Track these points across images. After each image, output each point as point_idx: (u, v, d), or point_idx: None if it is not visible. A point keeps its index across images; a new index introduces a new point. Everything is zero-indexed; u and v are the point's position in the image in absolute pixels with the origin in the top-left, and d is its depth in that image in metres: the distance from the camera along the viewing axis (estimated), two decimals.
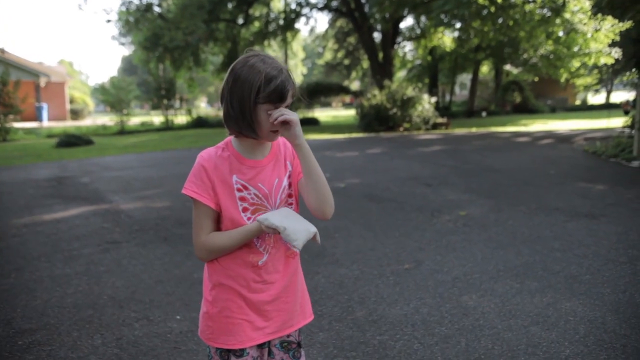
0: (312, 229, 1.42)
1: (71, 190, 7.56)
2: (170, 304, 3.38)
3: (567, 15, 16.61)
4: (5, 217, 5.94)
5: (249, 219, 1.48)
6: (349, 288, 3.56)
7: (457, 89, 41.70)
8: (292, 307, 1.62)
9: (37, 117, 26.43)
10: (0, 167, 10.90)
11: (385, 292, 3.45)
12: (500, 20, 17.60)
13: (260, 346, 1.57)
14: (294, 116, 1.40)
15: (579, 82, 34.46)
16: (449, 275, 3.72)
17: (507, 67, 32.19)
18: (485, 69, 34.42)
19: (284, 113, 1.39)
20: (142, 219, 5.67)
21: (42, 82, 28.57)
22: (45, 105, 27.71)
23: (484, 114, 28.80)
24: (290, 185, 1.58)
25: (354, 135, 17.18)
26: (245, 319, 1.52)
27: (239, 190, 1.48)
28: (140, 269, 4.06)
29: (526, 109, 30.77)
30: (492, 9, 16.36)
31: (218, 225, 1.51)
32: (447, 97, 34.45)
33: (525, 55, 24.36)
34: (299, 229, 1.39)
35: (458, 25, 19.69)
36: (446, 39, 24.74)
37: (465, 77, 39.95)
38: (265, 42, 26.37)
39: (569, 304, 3.16)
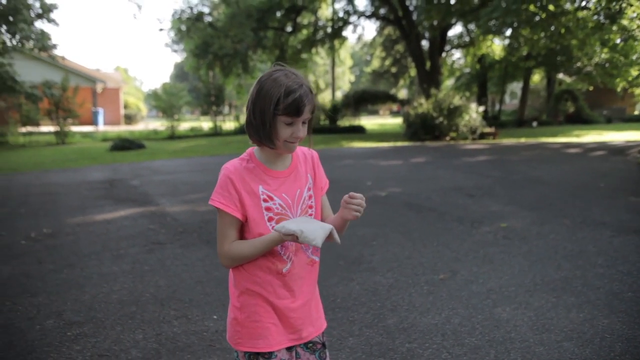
0: (327, 227, 1.47)
1: (122, 193, 7.91)
2: (209, 303, 3.51)
3: (624, 22, 16.02)
4: (61, 217, 6.28)
5: (273, 228, 1.54)
6: (382, 295, 3.59)
7: (507, 98, 40.83)
8: (315, 313, 1.70)
9: (94, 122, 27.64)
10: (59, 169, 11.49)
11: (417, 301, 3.47)
12: (552, 28, 17.15)
13: (288, 349, 1.63)
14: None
15: (638, 91, 33.08)
16: (483, 287, 3.70)
17: (560, 75, 31.29)
18: (536, 77, 33.60)
19: (359, 210, 1.53)
20: (187, 222, 5.88)
21: (99, 88, 29.87)
22: (101, 110, 28.94)
23: (534, 124, 28.08)
24: (310, 197, 1.65)
25: (399, 144, 17.13)
26: (273, 322, 1.58)
27: (265, 200, 1.55)
28: (182, 269, 4.22)
29: (580, 120, 29.79)
30: (543, 16, 15.97)
31: (241, 234, 1.59)
32: (497, 106, 33.76)
33: (579, 64, 23.61)
34: (314, 229, 1.43)
35: (508, 32, 19.32)
36: (495, 46, 24.31)
37: (516, 86, 39.10)
38: (313, 50, 26.64)
39: (607, 321, 3.09)
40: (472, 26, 22.73)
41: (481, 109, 19.73)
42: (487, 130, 18.82)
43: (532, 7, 15.48)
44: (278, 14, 23.94)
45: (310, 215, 1.64)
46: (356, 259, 4.43)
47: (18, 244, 5.11)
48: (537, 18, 16.19)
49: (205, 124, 26.17)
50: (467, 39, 26.17)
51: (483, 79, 29.23)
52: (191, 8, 22.57)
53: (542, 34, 17.29)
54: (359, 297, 3.59)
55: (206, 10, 23.59)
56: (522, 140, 17.90)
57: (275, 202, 1.55)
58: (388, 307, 3.39)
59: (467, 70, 32.14)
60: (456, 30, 45.82)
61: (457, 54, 31.95)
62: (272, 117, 1.47)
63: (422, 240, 4.97)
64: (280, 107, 1.45)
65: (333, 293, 3.66)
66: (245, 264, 1.58)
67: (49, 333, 3.11)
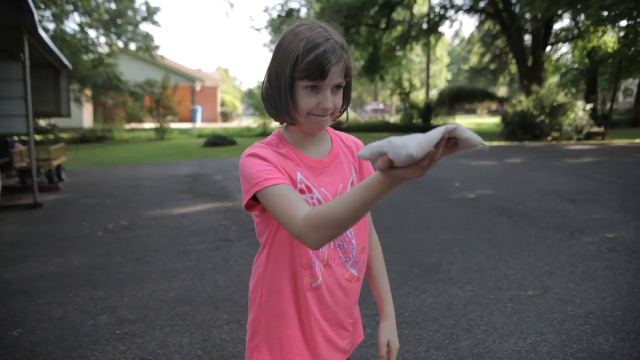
0: (437, 131, 0.80)
1: (202, 187, 7.97)
2: None
3: None
4: (140, 209, 6.39)
5: None
6: (458, 312, 3.14)
7: (620, 96, 37.42)
8: (350, 333, 1.35)
9: (192, 119, 28.88)
10: (152, 163, 11.96)
11: (499, 321, 2.98)
12: None
13: None
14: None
15: None
16: (581, 309, 3.12)
17: None
18: None
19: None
20: None
21: (198, 86, 31.17)
22: (199, 108, 30.18)
23: None
24: None
25: (495, 143, 16.11)
26: (298, 352, 1.24)
27: (302, 191, 1.16)
28: (245, 269, 4.02)
29: None
30: None
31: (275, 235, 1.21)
32: (609, 105, 30.95)
33: None
34: (409, 138, 0.82)
35: (624, 22, 17.47)
36: (608, 38, 22.18)
37: (632, 83, 35.68)
38: (408, 47, 25.92)
39: None
40: (581, 17, 20.90)
41: (589, 106, 18.08)
42: (596, 129, 17.17)
43: None
44: (372, 11, 23.52)
45: None
46: (433, 267, 3.99)
47: (95, 234, 5.20)
48: None
49: None
50: (575, 31, 24.17)
51: (593, 75, 26.89)
52: (282, 5, 22.83)
53: None
54: (430, 311, 3.16)
55: (296, 6, 23.78)
56: (637, 141, 16.13)
57: (313, 196, 1.18)
58: (463, 326, 2.94)
59: (575, 65, 29.79)
60: (563, 22, 42.71)
61: (563, 48, 29.66)
62: (289, 82, 1.11)
63: (511, 250, 4.40)
64: (299, 67, 1.09)
65: (402, 305, 3.27)
66: (268, 277, 1.23)
67: (99, 329, 3.01)
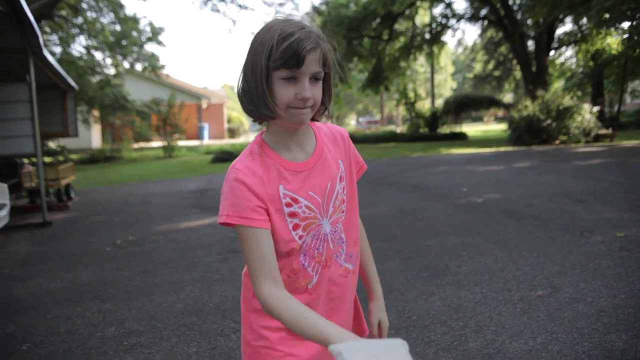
0: None
1: (210, 201, 7.98)
2: None
3: None
4: (148, 224, 6.40)
5: (300, 237, 1.18)
6: (467, 314, 3.11)
7: (628, 97, 37.18)
8: (350, 327, 1.35)
9: (199, 136, 29.05)
10: (160, 180, 12.02)
11: (508, 322, 2.95)
12: None
13: None
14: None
15: None
16: (592, 307, 3.07)
17: None
18: None
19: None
20: None
21: (204, 104, 31.39)
22: (206, 125, 30.37)
23: None
24: (343, 189, 1.26)
25: (502, 149, 16.04)
26: (290, 352, 1.23)
27: (287, 205, 1.16)
28: None
29: None
30: None
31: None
32: (616, 107, 30.76)
33: None
34: None
35: (626, 24, 17.39)
36: (612, 41, 22.10)
37: (639, 84, 35.47)
38: (411, 57, 25.99)
39: None
40: (584, 20, 20.87)
41: (596, 109, 17.98)
42: (604, 131, 17.06)
43: None
44: (374, 23, 23.63)
45: (343, 212, 1.26)
46: (441, 271, 3.96)
47: (103, 250, 5.22)
48: None
49: None
50: (578, 35, 24.13)
51: (598, 78, 26.78)
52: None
53: None
54: (438, 314, 3.13)
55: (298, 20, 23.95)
56: None
57: (301, 205, 1.17)
58: (472, 328, 2.90)
59: (580, 69, 29.70)
60: (565, 27, 42.72)
61: (567, 52, 29.60)
62: (265, 74, 1.07)
63: (520, 251, 4.36)
64: (274, 56, 1.06)
65: (410, 308, 3.24)
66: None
67: (107, 341, 3.01)
